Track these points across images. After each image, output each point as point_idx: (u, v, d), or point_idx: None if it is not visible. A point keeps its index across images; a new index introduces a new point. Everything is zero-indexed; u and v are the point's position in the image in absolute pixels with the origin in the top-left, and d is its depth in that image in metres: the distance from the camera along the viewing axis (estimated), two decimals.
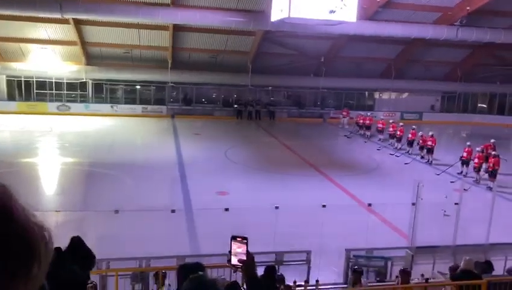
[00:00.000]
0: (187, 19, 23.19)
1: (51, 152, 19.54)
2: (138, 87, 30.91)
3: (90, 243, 9.42)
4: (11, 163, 16.10)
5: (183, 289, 1.57)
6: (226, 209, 8.21)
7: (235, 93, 31.75)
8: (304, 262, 8.67)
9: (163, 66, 28.85)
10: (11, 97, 29.20)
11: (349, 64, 31.15)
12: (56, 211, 7.97)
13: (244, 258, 1.91)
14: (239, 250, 1.92)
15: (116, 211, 7.96)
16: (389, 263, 8.80)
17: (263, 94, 32.31)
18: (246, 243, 1.91)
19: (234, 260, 1.93)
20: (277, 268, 7.88)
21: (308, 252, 8.67)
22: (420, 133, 20.32)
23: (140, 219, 10.44)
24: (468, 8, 23.45)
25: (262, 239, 9.28)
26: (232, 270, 2.01)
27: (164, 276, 6.90)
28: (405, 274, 7.18)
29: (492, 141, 17.95)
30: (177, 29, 26.14)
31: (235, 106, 31.15)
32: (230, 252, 1.94)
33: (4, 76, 28.68)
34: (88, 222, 10.34)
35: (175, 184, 14.61)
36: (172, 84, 30.01)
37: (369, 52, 29.87)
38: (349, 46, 28.82)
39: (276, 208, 8.44)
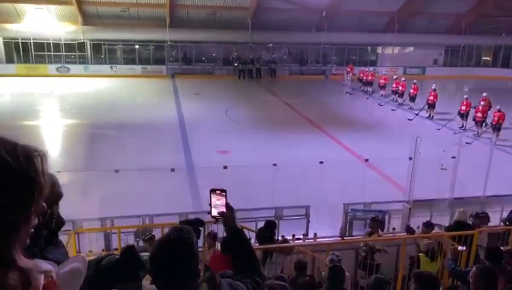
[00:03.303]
0: None
1: (52, 114, 19.57)
2: (137, 47, 30.46)
3: (92, 202, 9.62)
4: (13, 126, 16.17)
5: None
6: (225, 167, 8.30)
7: (235, 51, 31.28)
8: (303, 217, 8.87)
9: (161, 24, 28.28)
10: (9, 60, 28.90)
11: (351, 18, 30.42)
12: (57, 171, 8.07)
13: (224, 210, 1.96)
14: (218, 202, 1.96)
15: (116, 171, 8.07)
16: (387, 216, 8.98)
17: (264, 51, 31.83)
18: (225, 195, 1.95)
19: (214, 212, 1.98)
20: (277, 223, 8.07)
21: (307, 207, 8.84)
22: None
23: (142, 178, 10.61)
24: None
25: (262, 196, 9.47)
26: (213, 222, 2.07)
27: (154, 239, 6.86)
28: (376, 223, 7.49)
29: (484, 94, 17.59)
30: None
31: (235, 64, 30.76)
32: (210, 205, 1.98)
33: (1, 38, 28.27)
34: (90, 182, 10.53)
35: (176, 144, 14.71)
36: (171, 43, 29.54)
37: (371, 5, 29.08)
38: None
39: (274, 165, 8.53)
